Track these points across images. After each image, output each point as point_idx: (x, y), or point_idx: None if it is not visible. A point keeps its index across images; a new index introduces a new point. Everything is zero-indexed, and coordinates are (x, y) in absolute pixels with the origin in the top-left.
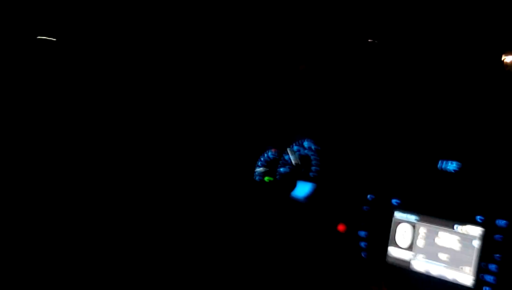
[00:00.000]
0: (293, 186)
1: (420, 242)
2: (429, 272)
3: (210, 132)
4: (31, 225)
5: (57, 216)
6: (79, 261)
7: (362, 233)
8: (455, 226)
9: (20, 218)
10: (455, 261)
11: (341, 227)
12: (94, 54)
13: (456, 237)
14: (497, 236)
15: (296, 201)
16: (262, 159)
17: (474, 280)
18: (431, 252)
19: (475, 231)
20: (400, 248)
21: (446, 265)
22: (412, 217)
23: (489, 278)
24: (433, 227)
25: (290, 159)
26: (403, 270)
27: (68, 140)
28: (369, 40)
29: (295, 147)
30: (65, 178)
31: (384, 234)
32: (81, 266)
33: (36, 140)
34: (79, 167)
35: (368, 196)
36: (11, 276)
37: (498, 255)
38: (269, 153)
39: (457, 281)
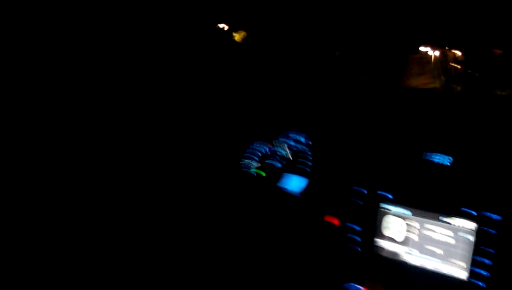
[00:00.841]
0: (284, 179)
1: (413, 236)
2: (423, 266)
3: (207, 127)
4: (31, 225)
5: (57, 216)
6: (78, 261)
7: (355, 226)
8: (448, 220)
9: (20, 218)
10: (449, 255)
11: (332, 221)
12: (91, 54)
13: (450, 232)
14: (490, 231)
15: (288, 194)
16: (253, 152)
17: (468, 274)
18: (425, 246)
19: (469, 225)
20: (394, 241)
21: (440, 259)
22: (405, 211)
23: (482, 271)
24: (426, 221)
25: (282, 153)
26: (397, 263)
27: (66, 139)
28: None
29: (291, 142)
30: (63, 177)
31: (375, 227)
32: (81, 266)
33: (35, 140)
34: (79, 167)
35: (360, 189)
36: (11, 276)
37: (491, 249)
38: (262, 147)
39: (451, 274)
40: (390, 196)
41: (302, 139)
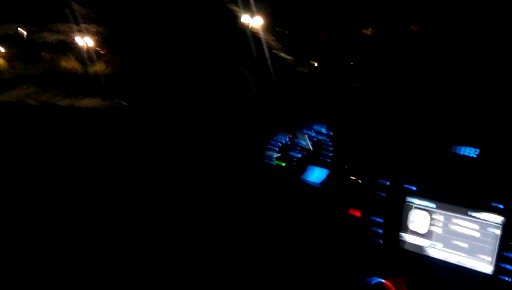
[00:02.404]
0: (304, 170)
1: (437, 229)
2: (446, 259)
3: (227, 116)
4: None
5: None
6: (79, 261)
7: (378, 219)
8: (474, 213)
9: (20, 218)
10: (474, 249)
11: (355, 213)
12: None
13: (475, 225)
14: None
15: (309, 186)
16: (273, 143)
17: (493, 269)
18: (449, 240)
19: (495, 219)
20: (417, 235)
21: (464, 253)
22: (429, 204)
23: (508, 266)
24: (451, 214)
25: (302, 143)
26: (420, 256)
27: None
28: None
29: (311, 133)
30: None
31: (399, 220)
32: (81, 266)
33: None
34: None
35: (383, 181)
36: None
37: None
38: (282, 138)
39: (476, 269)
40: (414, 188)
41: (323, 130)
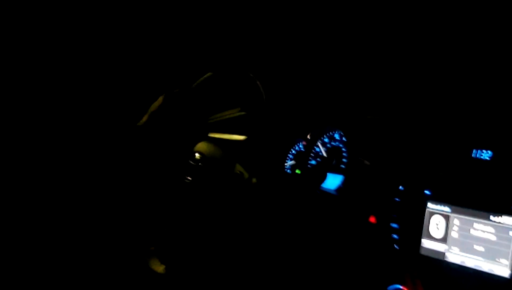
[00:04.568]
0: (323, 178)
1: (454, 234)
2: (464, 264)
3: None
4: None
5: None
6: (78, 261)
7: (394, 225)
8: (491, 217)
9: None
10: (491, 253)
11: (372, 219)
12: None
13: (492, 229)
14: None
15: (326, 193)
16: (292, 151)
17: (511, 272)
18: (466, 244)
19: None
20: (434, 240)
21: (482, 257)
22: (446, 208)
23: None
24: (468, 218)
25: (320, 151)
26: (438, 261)
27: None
28: None
29: (325, 139)
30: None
31: (416, 226)
32: (80, 266)
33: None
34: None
35: (400, 187)
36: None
37: None
38: (299, 146)
39: (493, 272)
40: (430, 193)
41: (337, 136)
